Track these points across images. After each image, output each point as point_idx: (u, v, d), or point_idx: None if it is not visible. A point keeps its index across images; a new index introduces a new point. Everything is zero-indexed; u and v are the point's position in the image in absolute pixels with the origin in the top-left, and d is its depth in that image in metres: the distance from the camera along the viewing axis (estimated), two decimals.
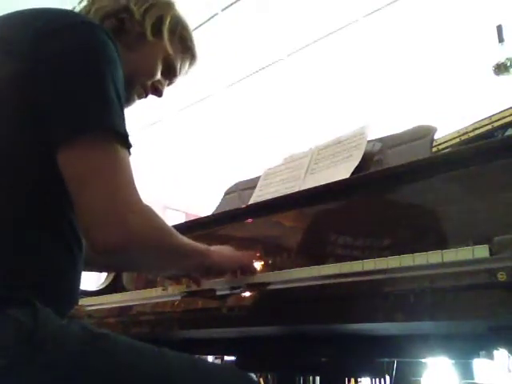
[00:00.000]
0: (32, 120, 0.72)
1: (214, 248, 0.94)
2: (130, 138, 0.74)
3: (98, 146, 0.71)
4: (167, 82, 1.01)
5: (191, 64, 1.04)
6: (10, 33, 0.77)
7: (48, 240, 0.74)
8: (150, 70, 0.95)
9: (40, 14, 0.79)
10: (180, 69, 1.01)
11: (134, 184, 0.73)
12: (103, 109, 0.71)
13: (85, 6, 0.94)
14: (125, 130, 0.74)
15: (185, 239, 0.84)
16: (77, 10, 0.95)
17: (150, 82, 0.96)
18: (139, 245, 0.74)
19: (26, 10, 0.81)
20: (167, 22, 0.94)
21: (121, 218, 0.70)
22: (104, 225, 0.69)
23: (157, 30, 0.93)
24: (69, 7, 0.89)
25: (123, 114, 0.75)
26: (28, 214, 0.73)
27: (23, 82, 0.72)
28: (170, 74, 1.00)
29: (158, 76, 0.97)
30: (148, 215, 0.75)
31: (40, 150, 0.72)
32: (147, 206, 0.75)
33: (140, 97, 0.98)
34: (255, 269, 1.01)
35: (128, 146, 0.74)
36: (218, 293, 0.97)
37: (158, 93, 0.99)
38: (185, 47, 1.00)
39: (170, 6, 0.96)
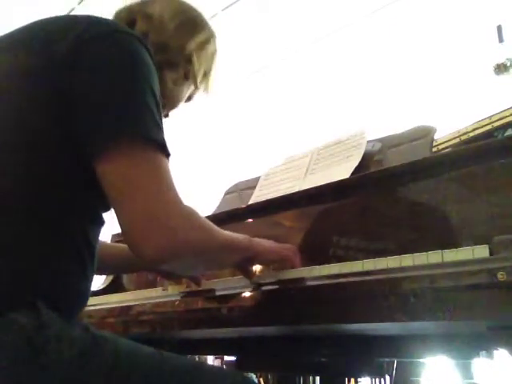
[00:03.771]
0: (67, 126, 0.71)
1: (256, 239, 0.91)
2: (167, 146, 0.74)
3: (136, 155, 0.71)
4: None
5: (204, 95, 1.10)
6: (49, 36, 0.76)
7: (57, 245, 0.73)
8: (178, 103, 1.03)
9: (80, 20, 0.79)
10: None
11: (174, 189, 0.72)
12: (141, 118, 0.72)
13: (141, 24, 0.94)
14: (162, 138, 0.74)
15: (226, 234, 0.82)
16: None
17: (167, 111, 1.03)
18: (187, 248, 0.74)
19: (65, 15, 0.84)
20: (212, 75, 1.03)
21: (163, 226, 0.69)
22: (146, 234, 0.68)
23: (202, 78, 1.01)
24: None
25: (161, 122, 0.76)
26: (37, 218, 0.72)
27: (61, 88, 0.71)
28: (184, 102, 1.07)
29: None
30: (191, 217, 0.74)
31: (67, 158, 0.72)
32: (189, 208, 0.74)
33: None
34: (297, 262, 0.94)
35: (166, 153, 0.74)
36: (218, 293, 0.97)
37: (166, 117, 1.05)
38: (206, 88, 1.06)
39: (215, 56, 1.04)
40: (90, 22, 0.78)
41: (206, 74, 1.02)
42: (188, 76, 0.98)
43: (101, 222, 0.82)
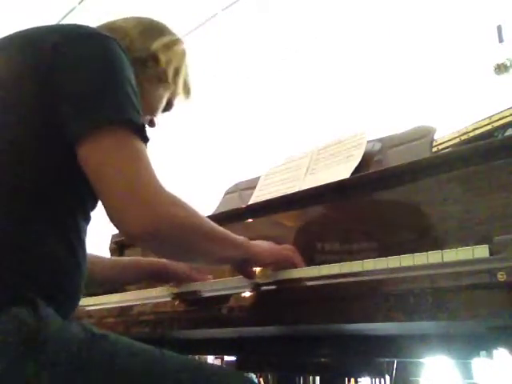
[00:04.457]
0: (50, 120, 0.75)
1: (253, 242, 0.91)
2: (145, 131, 0.78)
3: (115, 138, 0.74)
4: (161, 113, 1.10)
5: (185, 101, 1.14)
6: (31, 43, 0.83)
7: (52, 240, 0.76)
8: (156, 109, 1.05)
9: (57, 27, 0.87)
10: (175, 105, 1.11)
11: (153, 171, 0.75)
12: (120, 104, 0.76)
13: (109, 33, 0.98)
14: (141, 122, 0.77)
15: (219, 227, 0.84)
16: None
17: (149, 117, 1.06)
18: (169, 223, 0.75)
19: (42, 26, 0.87)
20: (183, 73, 1.05)
21: (143, 201, 0.72)
22: (128, 210, 0.72)
23: (173, 78, 1.04)
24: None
25: (140, 110, 0.79)
26: (32, 214, 0.74)
27: (44, 82, 0.76)
28: (166, 109, 1.10)
29: (159, 113, 1.07)
30: (171, 196, 0.76)
31: (53, 151, 0.75)
32: (170, 192, 0.76)
33: None
34: (298, 261, 0.94)
35: (145, 139, 0.77)
36: (218, 293, 0.97)
37: (153, 124, 1.08)
38: (186, 90, 1.10)
39: (184, 54, 1.06)
40: (71, 27, 0.86)
41: (178, 73, 1.04)
42: (160, 76, 1.00)
43: (89, 218, 0.85)
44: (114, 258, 1.21)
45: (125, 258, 1.16)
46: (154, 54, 0.99)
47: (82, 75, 0.77)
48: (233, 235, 0.86)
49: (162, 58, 1.00)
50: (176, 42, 1.05)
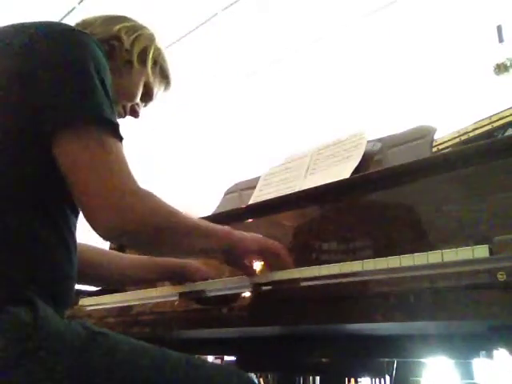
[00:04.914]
0: (29, 115, 0.75)
1: (237, 231, 0.92)
2: (119, 129, 0.78)
3: (88, 134, 0.75)
4: (143, 104, 1.10)
5: (166, 89, 1.13)
6: (7, 40, 0.83)
7: (46, 238, 0.76)
8: (133, 94, 1.04)
9: (32, 24, 0.86)
10: (156, 93, 1.11)
11: (128, 168, 0.76)
12: (91, 99, 0.76)
13: None
14: (113, 118, 0.78)
15: (195, 219, 0.85)
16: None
17: (129, 105, 1.05)
18: (140, 226, 0.76)
19: (17, 23, 0.87)
20: (151, 52, 1.04)
21: (115, 198, 0.73)
22: (100, 207, 0.73)
23: (142, 58, 1.02)
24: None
25: (112, 106, 0.79)
26: (27, 214, 0.74)
27: (19, 80, 0.76)
28: (147, 97, 1.09)
29: (138, 99, 1.06)
30: (145, 195, 0.77)
31: (36, 147, 0.75)
32: (144, 189, 0.77)
33: (119, 117, 1.05)
34: (283, 254, 0.94)
35: (119, 136, 0.78)
36: (217, 293, 0.97)
37: (136, 114, 1.08)
38: (163, 75, 1.10)
39: (153, 38, 1.06)
40: (48, 23, 0.86)
41: (146, 53, 1.03)
42: (128, 58, 1.00)
43: (78, 212, 0.85)
44: (131, 255, 1.20)
45: (141, 257, 1.15)
46: (116, 35, 0.99)
47: (56, 70, 0.77)
48: (213, 225, 0.87)
49: (125, 38, 1.00)
50: (141, 26, 1.05)
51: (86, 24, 1.00)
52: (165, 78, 1.10)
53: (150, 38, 1.05)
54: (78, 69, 0.78)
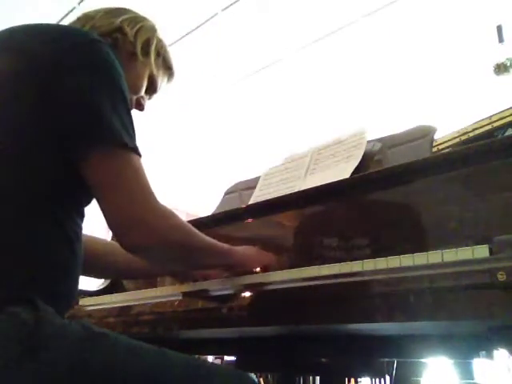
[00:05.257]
0: (51, 127, 0.76)
1: (238, 248, 0.99)
2: (138, 148, 0.81)
3: (113, 158, 0.78)
4: (148, 96, 1.10)
5: (169, 81, 1.13)
6: (30, 46, 0.82)
7: (51, 239, 0.76)
8: (138, 87, 1.04)
9: (58, 29, 0.88)
10: (160, 85, 1.10)
11: (150, 188, 0.80)
12: (119, 120, 0.79)
13: (75, 24, 1.00)
14: (134, 141, 0.81)
15: (207, 238, 0.90)
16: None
17: (135, 98, 1.05)
18: (161, 242, 0.81)
19: (38, 24, 0.87)
20: (154, 44, 1.04)
21: (140, 219, 0.78)
22: (126, 226, 0.78)
23: (145, 50, 1.02)
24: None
25: (132, 125, 0.82)
26: (31, 214, 0.75)
27: (45, 95, 0.77)
28: (152, 90, 1.09)
29: (143, 92, 1.06)
30: (166, 215, 0.82)
31: (54, 157, 0.77)
32: (165, 207, 0.81)
33: None
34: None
35: (139, 153, 0.81)
36: (217, 293, 0.97)
37: (141, 107, 1.08)
38: (166, 66, 1.10)
39: (155, 29, 1.06)
40: (67, 31, 0.88)
41: (149, 44, 1.02)
42: (132, 50, 0.99)
43: (84, 214, 0.87)
44: None
45: None
46: (119, 27, 0.99)
47: (79, 89, 0.78)
48: (219, 244, 0.93)
49: (128, 30, 0.99)
50: (142, 18, 1.05)
51: (87, 18, 1.00)
52: (168, 68, 1.10)
53: (152, 29, 1.05)
54: (109, 89, 0.80)
